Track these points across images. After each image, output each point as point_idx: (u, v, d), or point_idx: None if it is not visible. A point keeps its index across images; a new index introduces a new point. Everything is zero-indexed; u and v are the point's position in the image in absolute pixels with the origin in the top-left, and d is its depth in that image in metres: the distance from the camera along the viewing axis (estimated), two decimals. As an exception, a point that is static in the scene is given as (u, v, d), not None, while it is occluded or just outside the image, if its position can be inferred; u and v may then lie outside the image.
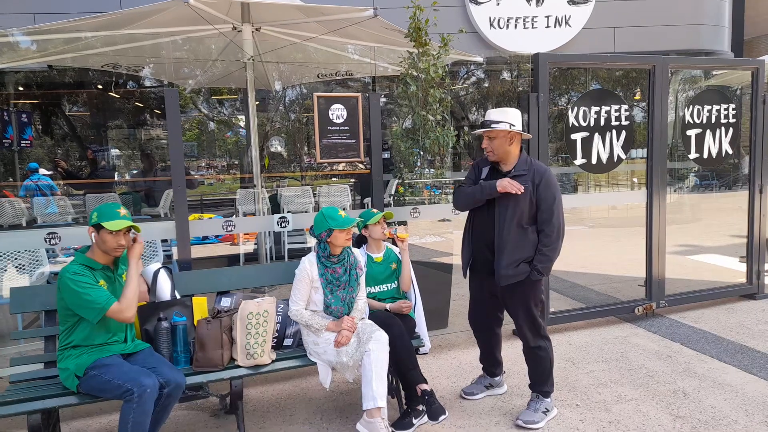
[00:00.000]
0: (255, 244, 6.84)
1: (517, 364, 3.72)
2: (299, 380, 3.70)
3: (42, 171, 7.66)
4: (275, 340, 3.13)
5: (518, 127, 3.01)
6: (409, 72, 4.44)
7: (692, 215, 10.82)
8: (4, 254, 3.65)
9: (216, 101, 13.45)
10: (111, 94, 11.59)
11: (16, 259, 3.74)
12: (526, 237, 2.96)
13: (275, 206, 7.73)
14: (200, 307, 3.10)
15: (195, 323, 2.96)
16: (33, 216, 6.77)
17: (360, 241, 3.52)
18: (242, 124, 14.16)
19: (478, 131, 3.06)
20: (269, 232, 6.40)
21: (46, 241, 3.12)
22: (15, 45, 5.59)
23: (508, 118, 2.98)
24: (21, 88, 10.28)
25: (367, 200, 8.20)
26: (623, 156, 4.57)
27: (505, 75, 13.55)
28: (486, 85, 14.31)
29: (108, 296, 2.53)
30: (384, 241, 3.48)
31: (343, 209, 3.08)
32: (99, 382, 2.49)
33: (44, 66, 7.89)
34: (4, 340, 3.83)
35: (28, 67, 7.39)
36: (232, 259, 7.13)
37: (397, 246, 3.49)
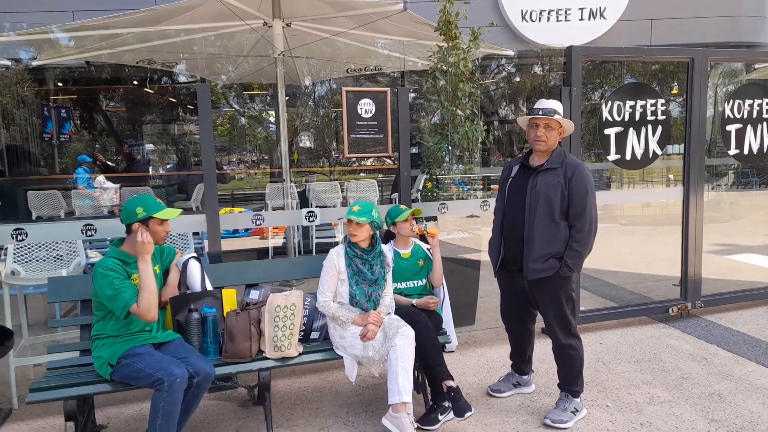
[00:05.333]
0: (284, 238, 6.91)
1: (545, 362, 3.67)
2: (325, 373, 3.72)
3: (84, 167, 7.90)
4: (302, 333, 3.15)
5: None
6: (439, 66, 4.40)
7: (730, 213, 10.44)
8: (44, 244, 3.77)
9: (247, 97, 13.63)
10: (146, 89, 11.85)
11: (54, 249, 3.86)
12: (558, 232, 2.91)
13: (303, 201, 7.79)
14: (229, 299, 3.15)
15: (224, 315, 3.00)
16: (72, 208, 7.00)
17: (388, 236, 3.51)
18: (272, 119, 14.32)
19: (527, 117, 3.01)
20: (298, 226, 6.45)
21: (82, 233, 3.21)
22: (54, 42, 5.76)
23: (562, 111, 3.00)
24: (60, 84, 10.60)
25: (395, 196, 8.19)
26: (659, 152, 4.44)
27: (537, 69, 13.32)
28: (517, 79, 14.10)
29: (132, 295, 2.57)
30: (413, 237, 3.46)
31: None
32: (131, 370, 2.55)
33: (82, 62, 8.12)
34: (43, 328, 3.97)
35: (67, 63, 7.63)
36: (261, 253, 7.23)
37: (426, 243, 3.48)
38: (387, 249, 3.26)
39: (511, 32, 10.21)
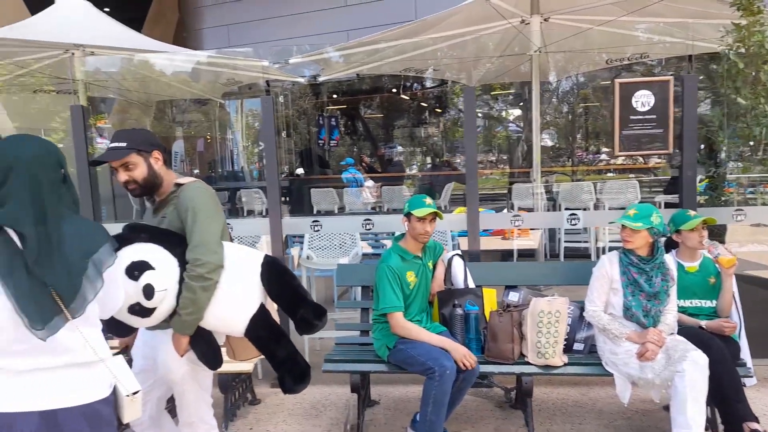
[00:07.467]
0: (532, 240, 6.72)
1: None
2: (585, 388, 3.47)
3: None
4: (565, 342, 2.98)
5: None
6: (735, 47, 3.71)
7: None
8: (328, 234, 4.34)
9: (490, 97, 13.78)
10: (402, 96, 12.93)
11: (334, 239, 4.41)
12: None
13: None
14: (490, 298, 3.16)
15: (485, 314, 3.03)
16: (342, 204, 8.03)
17: (668, 245, 3.08)
18: (511, 118, 14.20)
19: None
20: (545, 229, 6.21)
21: (363, 226, 3.61)
22: (330, 60, 6.65)
23: None
24: (335, 96, 12.30)
25: (659, 199, 7.27)
26: None
27: None
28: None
29: (395, 306, 2.76)
30: (701, 250, 2.97)
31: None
32: (406, 356, 2.75)
33: (352, 76, 9.21)
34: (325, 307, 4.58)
35: (339, 77, 8.76)
36: (505, 255, 7.15)
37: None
38: (670, 259, 2.86)
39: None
